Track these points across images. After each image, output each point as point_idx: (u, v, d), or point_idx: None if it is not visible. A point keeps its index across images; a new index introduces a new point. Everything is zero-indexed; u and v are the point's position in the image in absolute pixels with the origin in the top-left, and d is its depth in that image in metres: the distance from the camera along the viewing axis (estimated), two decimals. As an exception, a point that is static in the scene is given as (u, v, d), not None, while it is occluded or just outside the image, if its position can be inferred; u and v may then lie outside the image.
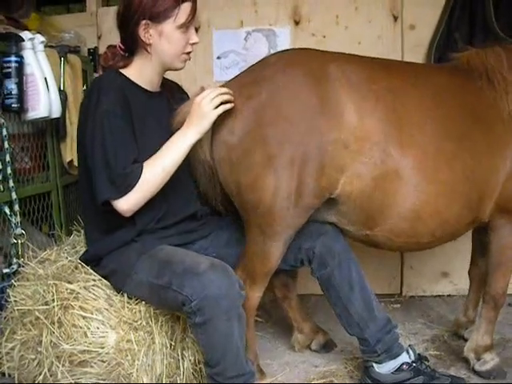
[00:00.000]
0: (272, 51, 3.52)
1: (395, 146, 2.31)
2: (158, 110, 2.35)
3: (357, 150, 2.28)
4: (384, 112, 2.33)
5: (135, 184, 2.14)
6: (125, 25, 2.28)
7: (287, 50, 2.65)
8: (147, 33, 2.24)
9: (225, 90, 2.26)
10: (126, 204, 2.16)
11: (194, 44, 2.32)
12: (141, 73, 2.33)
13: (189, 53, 2.34)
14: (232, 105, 2.25)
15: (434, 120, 2.39)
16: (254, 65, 2.46)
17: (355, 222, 2.44)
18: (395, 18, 3.58)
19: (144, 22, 2.22)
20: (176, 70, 2.38)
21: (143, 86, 2.34)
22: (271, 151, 2.24)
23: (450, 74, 2.57)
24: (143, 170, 2.15)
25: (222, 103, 2.23)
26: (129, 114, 2.21)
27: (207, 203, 2.55)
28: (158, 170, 2.17)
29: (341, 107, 2.27)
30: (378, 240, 2.47)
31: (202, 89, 2.32)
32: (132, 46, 2.31)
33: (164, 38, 2.25)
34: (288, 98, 2.27)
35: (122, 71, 2.32)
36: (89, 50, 3.57)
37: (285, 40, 3.59)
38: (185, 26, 2.26)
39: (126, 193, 2.14)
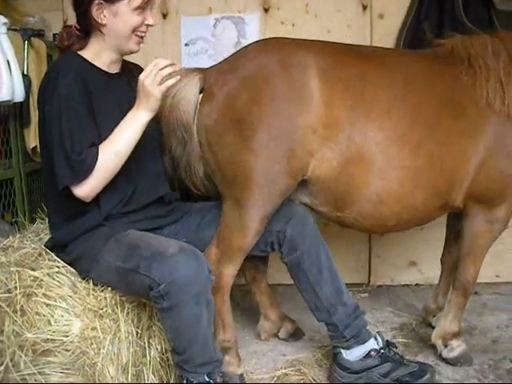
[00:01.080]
0: (241, 39, 3.52)
1: (361, 133, 2.36)
2: (117, 92, 2.31)
3: (324, 136, 2.35)
4: (352, 99, 2.37)
5: (92, 169, 2.11)
6: (78, 4, 2.25)
7: (264, 39, 2.67)
8: (101, 13, 2.22)
9: (165, 62, 2.18)
10: (84, 190, 2.15)
11: (148, 26, 2.29)
12: (97, 54, 2.30)
13: (142, 35, 2.31)
14: (175, 79, 2.21)
15: (402, 107, 2.42)
16: (234, 53, 2.55)
17: (326, 203, 2.50)
18: (364, 7, 3.59)
19: (97, 1, 2.20)
20: (132, 52, 2.35)
21: (101, 67, 2.31)
22: (244, 132, 2.32)
23: (424, 60, 2.57)
24: (98, 154, 2.13)
25: (164, 79, 2.19)
26: (87, 97, 2.18)
27: (176, 176, 2.57)
28: (110, 154, 2.15)
29: (309, 94, 2.33)
30: (348, 221, 2.53)
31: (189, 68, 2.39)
32: (86, 26, 2.28)
33: (118, 18, 2.22)
34: (259, 84, 2.33)
35: (80, 53, 2.29)
36: (54, 34, 3.49)
37: (254, 28, 3.56)
38: (141, 8, 2.23)
39: (84, 178, 2.12)
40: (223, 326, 2.50)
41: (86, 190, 2.14)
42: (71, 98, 2.13)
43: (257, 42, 2.60)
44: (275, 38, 2.69)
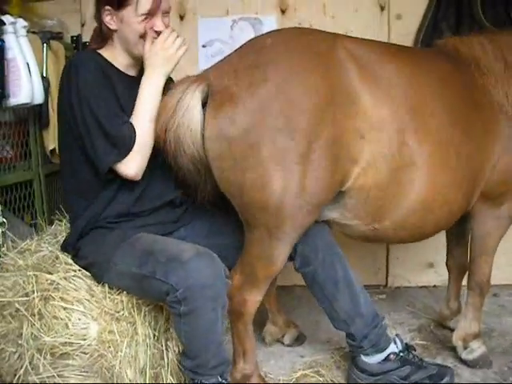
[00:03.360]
0: (258, 40, 3.48)
1: (411, 134, 2.21)
2: (133, 94, 2.27)
3: (374, 140, 2.16)
4: (397, 99, 2.22)
5: (133, 143, 2.15)
6: (96, 10, 2.30)
7: (281, 29, 2.52)
8: (111, 19, 2.25)
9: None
10: (131, 168, 2.18)
11: (158, 32, 2.26)
12: (114, 55, 2.32)
13: (152, 41, 2.28)
14: (186, 46, 2.26)
15: (443, 107, 2.33)
16: (241, 47, 2.24)
17: (362, 216, 2.30)
18: (382, 8, 3.58)
19: (107, 7, 2.23)
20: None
21: (119, 67, 2.32)
22: (281, 145, 2.03)
23: (445, 59, 2.51)
24: (135, 128, 2.16)
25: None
26: (109, 82, 2.21)
27: (191, 199, 2.45)
28: (145, 123, 2.18)
29: (354, 95, 2.13)
30: (384, 233, 2.37)
31: (188, 77, 2.24)
32: (103, 32, 2.31)
33: (125, 25, 2.24)
34: (298, 85, 2.07)
35: (99, 51, 2.32)
36: (72, 37, 3.50)
37: (271, 29, 3.52)
38: (148, 15, 2.23)
39: (127, 154, 2.15)
40: (244, 353, 2.36)
41: (132, 167, 2.18)
42: (95, 83, 2.15)
43: (268, 33, 2.28)
44: (296, 28, 2.59)
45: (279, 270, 2.27)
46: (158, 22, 2.25)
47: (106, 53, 2.31)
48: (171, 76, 2.35)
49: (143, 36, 2.25)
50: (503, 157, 2.45)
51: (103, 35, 2.31)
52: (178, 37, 2.25)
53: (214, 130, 2.08)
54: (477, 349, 2.68)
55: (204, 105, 2.12)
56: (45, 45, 2.96)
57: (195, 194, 2.34)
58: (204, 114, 2.10)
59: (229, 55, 2.24)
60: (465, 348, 2.69)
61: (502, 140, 2.44)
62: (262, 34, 2.33)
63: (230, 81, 2.08)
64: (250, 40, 2.29)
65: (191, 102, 2.10)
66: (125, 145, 2.15)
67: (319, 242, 2.43)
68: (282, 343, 2.95)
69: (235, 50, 2.25)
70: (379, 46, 2.38)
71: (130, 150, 2.15)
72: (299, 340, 2.97)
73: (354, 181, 2.19)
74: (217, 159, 2.12)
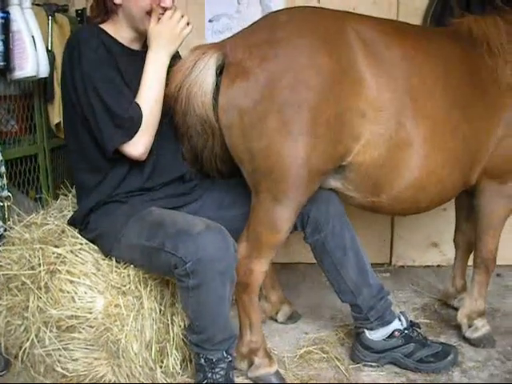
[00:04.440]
0: (265, 15, 3.45)
1: (409, 116, 2.30)
2: (137, 68, 2.25)
3: (373, 120, 2.23)
4: (398, 81, 2.29)
5: (140, 123, 2.15)
6: None
7: (295, 8, 2.54)
8: None
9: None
10: (138, 148, 2.18)
11: (165, 8, 2.24)
12: (118, 30, 2.29)
13: (159, 16, 2.25)
14: (191, 26, 2.26)
15: (444, 89, 2.38)
16: (257, 23, 2.33)
17: (362, 189, 2.40)
18: (390, -16, 3.52)
19: None
20: None
21: (122, 42, 2.30)
22: (288, 117, 2.13)
23: (455, 40, 2.53)
24: (141, 108, 2.16)
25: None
26: (113, 60, 2.19)
27: (199, 164, 2.47)
28: (151, 103, 2.19)
29: (359, 75, 2.20)
30: (380, 206, 2.46)
31: (205, 45, 2.29)
32: (105, 5, 2.27)
33: (131, 1, 2.21)
34: (306, 63, 2.15)
35: (101, 26, 2.28)
36: (77, 10, 3.47)
37: (279, 4, 3.50)
38: None
39: (134, 135, 2.15)
40: (250, 326, 2.38)
41: (139, 148, 2.18)
42: (99, 62, 2.13)
43: (283, 11, 2.47)
44: (308, 7, 2.61)
45: (283, 239, 2.32)
46: None
47: (108, 27, 2.28)
48: (179, 51, 2.35)
49: (149, 12, 2.23)
50: (504, 139, 2.49)
51: (106, 10, 2.27)
52: (182, 16, 2.23)
53: (227, 100, 2.19)
54: (481, 327, 2.70)
55: (217, 73, 2.22)
56: (50, 17, 2.93)
57: (202, 163, 2.42)
58: (217, 82, 2.21)
59: (245, 29, 2.32)
60: (469, 326, 2.71)
61: (505, 120, 2.49)
62: (276, 11, 2.45)
63: (245, 55, 2.17)
64: (265, 16, 2.40)
65: (206, 65, 2.20)
66: (131, 126, 2.14)
67: (331, 209, 2.46)
68: (275, 320, 2.95)
69: (250, 25, 2.33)
70: (388, 27, 2.42)
71: (137, 131, 2.15)
72: (293, 318, 2.96)
73: (353, 156, 2.28)
74: (228, 127, 2.23)
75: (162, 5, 2.23)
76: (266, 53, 2.15)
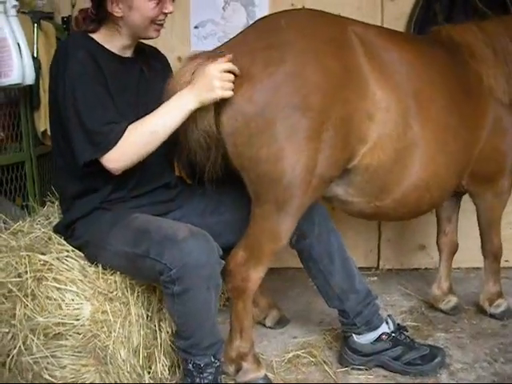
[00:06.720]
0: (250, 21, 3.43)
1: (415, 118, 2.33)
2: (128, 77, 2.26)
3: (381, 121, 2.24)
4: (402, 84, 2.32)
5: (116, 142, 2.07)
6: None
7: (291, 10, 2.57)
8: (116, 6, 2.17)
9: (233, 67, 2.09)
10: (109, 161, 2.09)
11: (167, 14, 2.24)
12: (109, 38, 2.26)
13: (162, 23, 2.27)
14: (231, 93, 2.09)
15: (442, 94, 2.45)
16: (253, 27, 2.32)
17: (366, 193, 2.39)
18: (375, -12, 3.55)
19: None
20: (150, 38, 2.31)
21: (113, 50, 2.27)
22: (296, 122, 2.10)
23: (444, 47, 2.61)
24: (128, 130, 2.08)
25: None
26: (100, 73, 2.15)
27: (197, 177, 2.45)
28: (144, 131, 2.09)
29: (364, 78, 2.21)
30: (384, 211, 2.47)
31: (201, 53, 2.21)
32: (101, 16, 2.22)
33: (134, 11, 2.17)
34: (313, 68, 2.13)
35: (91, 35, 2.25)
36: (63, 18, 3.47)
37: (263, 9, 3.52)
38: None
39: (107, 150, 2.07)
40: (241, 331, 2.35)
41: (112, 161, 2.09)
42: (84, 74, 2.10)
43: (280, 14, 2.35)
44: (307, 10, 2.62)
45: (284, 246, 2.30)
46: (168, 5, 2.22)
47: (98, 36, 2.25)
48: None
49: (154, 20, 2.22)
50: (492, 138, 2.63)
51: (99, 20, 2.23)
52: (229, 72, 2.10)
53: (232, 107, 2.13)
54: (502, 304, 2.99)
55: None
56: (35, 25, 2.92)
57: (202, 173, 2.33)
58: None
59: (241, 35, 2.29)
60: (490, 305, 2.99)
61: (492, 122, 2.61)
62: (273, 14, 2.40)
63: (247, 61, 2.12)
64: (262, 20, 2.35)
65: None
66: (104, 141, 2.07)
67: (316, 216, 2.46)
68: (264, 325, 2.94)
69: (247, 29, 2.32)
70: (383, 32, 2.48)
71: (109, 149, 2.07)
72: (281, 322, 2.95)
73: (360, 159, 2.27)
74: (232, 134, 2.16)
75: (165, 11, 2.22)
76: (271, 57, 2.12)
